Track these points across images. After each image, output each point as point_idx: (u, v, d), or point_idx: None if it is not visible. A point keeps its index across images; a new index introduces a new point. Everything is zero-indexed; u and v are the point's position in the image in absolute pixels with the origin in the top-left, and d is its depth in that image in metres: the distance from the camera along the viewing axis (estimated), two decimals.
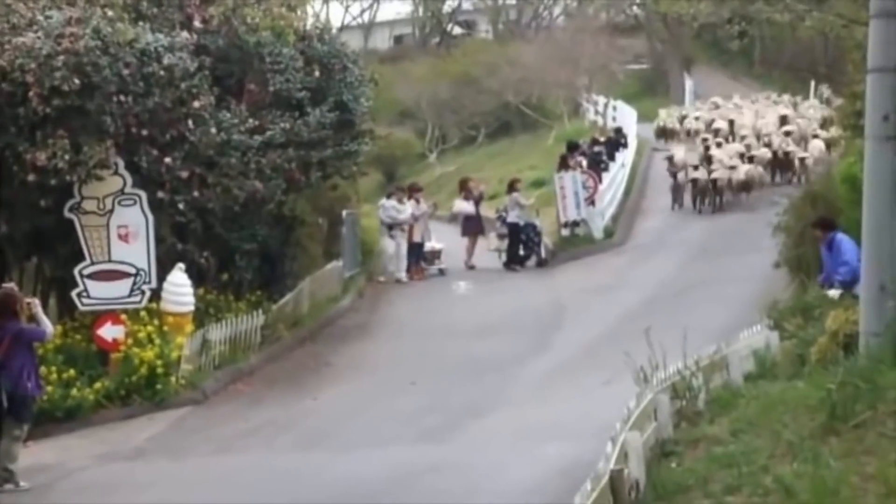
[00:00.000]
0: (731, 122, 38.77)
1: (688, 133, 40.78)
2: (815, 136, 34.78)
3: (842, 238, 16.04)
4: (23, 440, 14.27)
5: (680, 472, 10.90)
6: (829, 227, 16.47)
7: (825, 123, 37.23)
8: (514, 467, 13.07)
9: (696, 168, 31.86)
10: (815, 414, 11.02)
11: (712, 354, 13.83)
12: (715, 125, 38.84)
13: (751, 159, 32.52)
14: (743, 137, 36.35)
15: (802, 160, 32.54)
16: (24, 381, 13.90)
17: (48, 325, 14.58)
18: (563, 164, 29.67)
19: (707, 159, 32.66)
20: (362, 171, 25.61)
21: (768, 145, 34.75)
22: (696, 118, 41.76)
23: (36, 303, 14.64)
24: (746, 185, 31.53)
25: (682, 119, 42.60)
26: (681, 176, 32.23)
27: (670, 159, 33.53)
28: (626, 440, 10.42)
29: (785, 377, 13.32)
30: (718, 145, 34.46)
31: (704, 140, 35.61)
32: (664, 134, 41.99)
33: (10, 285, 15.50)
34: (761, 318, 16.21)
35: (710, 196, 31.62)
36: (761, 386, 13.15)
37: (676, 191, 32.50)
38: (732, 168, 31.53)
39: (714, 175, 31.36)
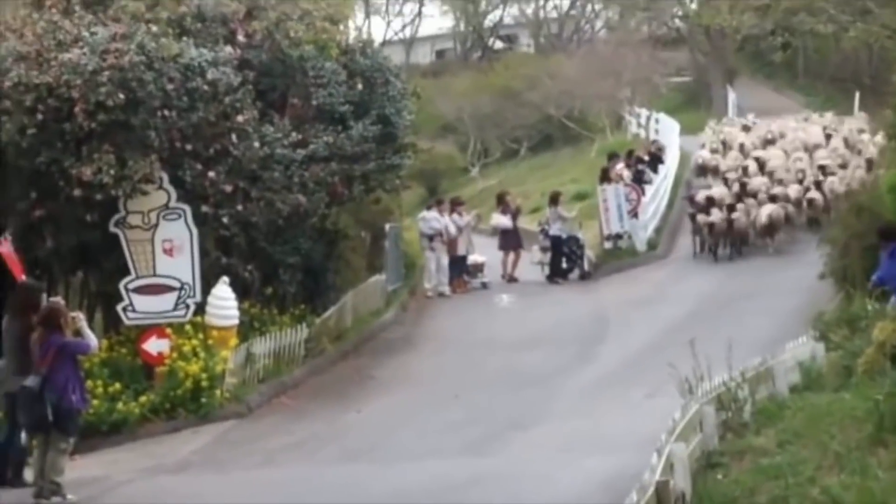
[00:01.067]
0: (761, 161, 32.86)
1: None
2: (841, 167, 30.42)
3: None
4: (69, 453, 14.35)
5: (726, 483, 10.88)
6: (893, 237, 16.33)
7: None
8: (558, 480, 13.04)
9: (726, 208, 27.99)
10: (863, 425, 10.98)
11: (757, 366, 13.77)
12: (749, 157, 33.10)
13: (773, 198, 28.42)
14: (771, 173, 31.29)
15: (811, 201, 28.69)
16: (70, 395, 13.99)
17: (93, 339, 14.67)
18: (606, 177, 29.61)
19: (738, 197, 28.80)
20: (405, 184, 25.67)
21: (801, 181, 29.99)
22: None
23: (81, 317, 14.74)
24: (770, 229, 27.77)
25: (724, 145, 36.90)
26: (700, 218, 28.21)
27: (691, 199, 29.69)
28: (672, 451, 10.39)
29: (831, 389, 13.27)
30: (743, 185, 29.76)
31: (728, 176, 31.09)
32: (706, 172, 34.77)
33: (57, 299, 15.60)
34: (807, 330, 16.13)
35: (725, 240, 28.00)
36: (807, 397, 13.11)
37: (697, 233, 28.60)
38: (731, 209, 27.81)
39: (733, 215, 27.67)
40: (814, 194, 28.62)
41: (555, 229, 28.06)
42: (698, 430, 11.78)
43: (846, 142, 33.19)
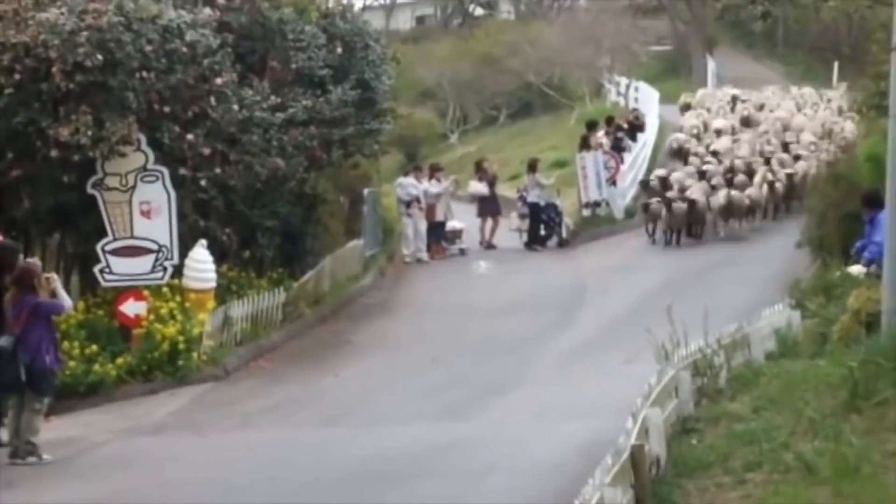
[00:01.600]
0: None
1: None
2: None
3: (883, 216, 15.95)
4: (44, 414, 14.33)
5: (701, 448, 10.92)
6: (875, 204, 16.33)
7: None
8: (535, 444, 13.08)
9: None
10: (837, 392, 11.04)
11: (734, 333, 13.82)
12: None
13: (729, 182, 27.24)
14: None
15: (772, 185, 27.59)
16: (43, 355, 13.95)
17: (67, 300, 14.63)
18: (585, 145, 29.61)
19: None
20: (384, 149, 25.64)
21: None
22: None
23: (55, 278, 14.69)
24: (727, 212, 26.55)
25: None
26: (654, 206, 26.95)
27: (645, 184, 29.39)
28: (647, 416, 10.43)
29: (807, 356, 13.32)
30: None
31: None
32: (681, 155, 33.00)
33: (34, 260, 15.55)
34: (783, 298, 16.19)
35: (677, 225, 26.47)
36: (783, 364, 13.16)
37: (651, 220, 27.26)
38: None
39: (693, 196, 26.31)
40: (775, 178, 27.75)
41: (533, 196, 28.07)
42: (674, 396, 11.82)
43: (823, 126, 32.76)
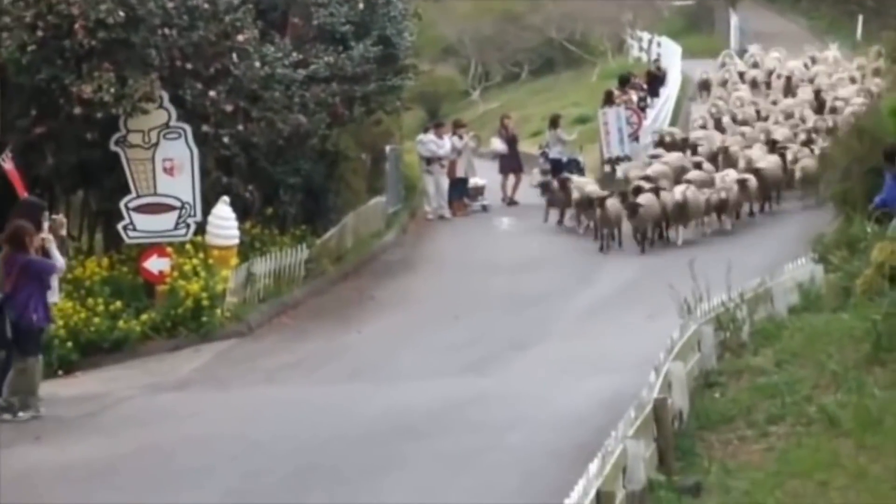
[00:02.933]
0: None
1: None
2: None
3: None
4: (31, 373, 14.06)
5: (723, 402, 10.96)
6: None
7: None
8: (558, 399, 13.11)
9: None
10: (860, 345, 11.04)
11: (756, 287, 13.81)
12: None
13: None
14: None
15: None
16: (30, 313, 13.91)
17: (59, 259, 14.52)
18: (609, 100, 29.47)
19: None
20: (406, 106, 25.56)
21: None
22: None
23: (50, 238, 14.55)
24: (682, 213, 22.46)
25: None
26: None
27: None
28: (670, 370, 10.46)
29: (829, 309, 13.32)
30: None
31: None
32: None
33: (59, 217, 15.63)
34: (806, 252, 16.16)
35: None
36: (805, 318, 13.16)
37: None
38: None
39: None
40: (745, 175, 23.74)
41: (555, 152, 27.99)
42: (696, 350, 11.84)
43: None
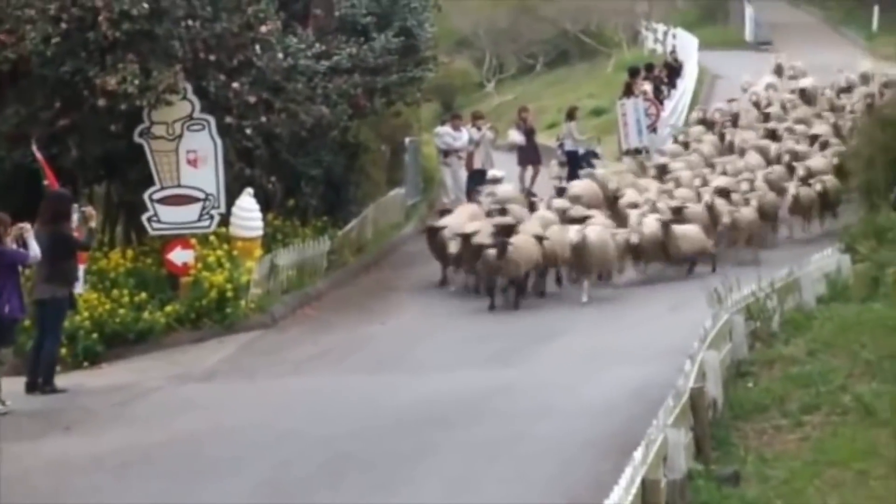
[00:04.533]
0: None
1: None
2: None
3: None
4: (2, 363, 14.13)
5: (756, 391, 10.97)
6: None
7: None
8: (587, 388, 13.14)
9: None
10: (894, 334, 11.03)
11: (785, 277, 13.81)
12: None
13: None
14: None
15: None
16: (3, 303, 13.95)
17: (34, 249, 14.41)
18: (628, 91, 29.41)
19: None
20: (425, 97, 25.56)
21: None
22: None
23: (27, 228, 14.53)
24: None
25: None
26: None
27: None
28: (704, 359, 10.46)
29: (858, 299, 13.31)
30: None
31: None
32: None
33: (89, 209, 15.65)
34: (832, 243, 16.15)
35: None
36: (835, 308, 13.17)
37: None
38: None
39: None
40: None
41: (569, 144, 27.96)
42: (728, 340, 11.85)
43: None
